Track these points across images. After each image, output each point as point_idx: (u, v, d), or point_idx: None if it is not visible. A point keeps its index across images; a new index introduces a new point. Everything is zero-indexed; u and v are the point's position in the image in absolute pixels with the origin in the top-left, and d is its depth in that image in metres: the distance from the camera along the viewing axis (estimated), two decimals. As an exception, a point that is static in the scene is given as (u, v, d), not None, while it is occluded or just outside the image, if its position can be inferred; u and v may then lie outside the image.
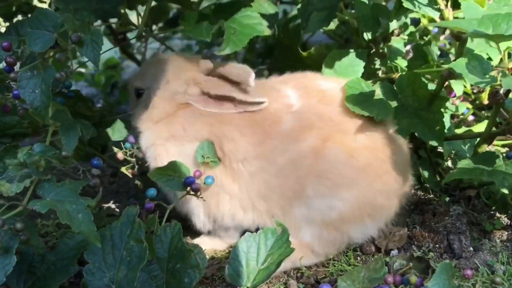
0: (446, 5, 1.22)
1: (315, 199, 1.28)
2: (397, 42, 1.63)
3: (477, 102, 1.79)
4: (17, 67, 1.18)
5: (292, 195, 1.29)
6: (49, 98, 1.14)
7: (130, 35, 2.73)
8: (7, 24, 2.59)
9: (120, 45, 2.58)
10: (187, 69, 1.37)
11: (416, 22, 1.80)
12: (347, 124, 1.30)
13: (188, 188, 1.25)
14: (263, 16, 1.49)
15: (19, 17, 2.62)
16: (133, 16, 1.69)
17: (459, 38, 1.22)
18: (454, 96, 1.78)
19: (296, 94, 1.35)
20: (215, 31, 1.35)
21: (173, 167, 1.24)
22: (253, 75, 1.28)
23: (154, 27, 2.63)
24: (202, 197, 1.27)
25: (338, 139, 1.28)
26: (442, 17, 1.23)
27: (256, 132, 1.29)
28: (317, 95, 1.35)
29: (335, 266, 1.35)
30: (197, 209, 1.35)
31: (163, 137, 1.34)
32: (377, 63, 1.73)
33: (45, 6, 2.44)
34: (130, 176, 1.48)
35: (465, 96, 1.88)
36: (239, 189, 1.31)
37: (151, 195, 1.22)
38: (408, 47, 1.67)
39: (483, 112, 2.05)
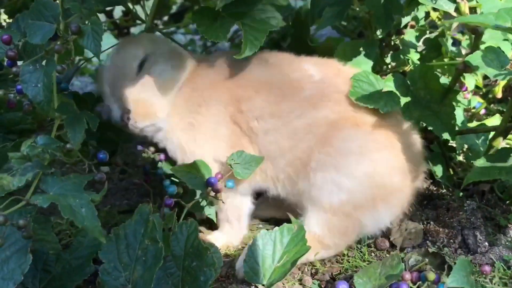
0: (463, -3, 1.20)
1: (319, 172, 1.25)
2: (410, 35, 1.61)
3: (490, 96, 1.77)
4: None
5: (299, 165, 1.29)
6: (51, 92, 1.12)
7: (133, 29, 2.73)
8: (11, 20, 2.59)
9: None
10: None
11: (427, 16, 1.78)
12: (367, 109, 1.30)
13: (209, 188, 1.24)
14: (276, 8, 1.47)
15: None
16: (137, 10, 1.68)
17: (475, 32, 1.21)
18: (466, 90, 1.76)
19: (315, 68, 1.36)
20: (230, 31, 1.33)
21: (196, 167, 1.24)
22: None
23: (158, 21, 2.62)
24: (222, 200, 1.27)
25: (353, 114, 1.28)
26: (457, 10, 1.21)
27: (272, 93, 1.30)
28: (336, 72, 1.37)
29: (349, 262, 1.34)
30: None
31: (184, 122, 1.35)
32: (389, 55, 1.71)
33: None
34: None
35: (476, 90, 1.87)
36: (253, 150, 1.33)
37: (172, 191, 1.21)
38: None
39: (492, 106, 2.04)
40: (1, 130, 1.21)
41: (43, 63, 1.10)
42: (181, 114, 1.35)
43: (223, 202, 1.30)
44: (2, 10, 2.38)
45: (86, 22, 1.11)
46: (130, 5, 1.62)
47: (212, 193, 1.24)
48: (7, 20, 2.55)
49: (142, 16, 1.61)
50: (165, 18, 3.14)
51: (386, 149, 1.26)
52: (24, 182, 1.01)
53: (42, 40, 1.10)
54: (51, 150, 1.02)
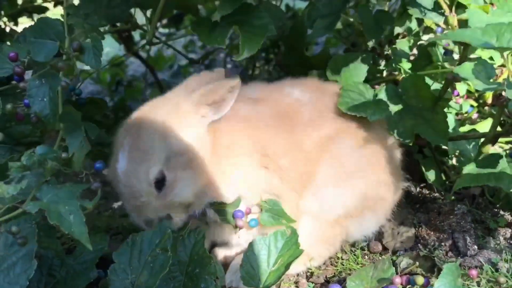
0: (450, 10, 1.24)
1: (324, 188, 1.31)
2: (402, 45, 1.65)
3: (481, 101, 1.81)
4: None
5: (306, 181, 1.31)
6: (57, 105, 1.17)
7: (134, 32, 2.76)
8: (12, 23, 2.63)
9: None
10: (180, 107, 1.25)
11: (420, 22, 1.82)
12: (355, 120, 1.35)
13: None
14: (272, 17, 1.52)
15: (24, 18, 2.66)
16: (137, 14, 1.71)
17: (463, 43, 1.25)
18: (458, 95, 1.80)
19: (297, 90, 1.38)
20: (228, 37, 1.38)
21: (233, 203, 1.26)
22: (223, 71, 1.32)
23: (158, 24, 2.65)
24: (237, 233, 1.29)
25: (348, 129, 1.34)
26: (446, 22, 1.25)
27: (286, 126, 1.30)
28: (318, 89, 1.41)
29: (343, 265, 1.39)
30: None
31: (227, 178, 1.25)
32: (382, 63, 1.75)
33: (49, 5, 2.48)
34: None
35: (469, 94, 1.90)
36: (283, 185, 1.29)
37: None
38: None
39: (486, 108, 2.07)
40: (10, 141, 1.25)
41: (49, 78, 1.14)
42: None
43: (238, 237, 1.30)
44: (2, 12, 2.42)
45: (87, 40, 1.15)
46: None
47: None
48: (7, 23, 2.61)
49: (143, 19, 1.65)
50: (164, 20, 3.19)
51: (375, 164, 1.36)
52: (18, 190, 1.04)
53: (46, 58, 1.15)
54: (49, 159, 1.06)
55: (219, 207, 1.24)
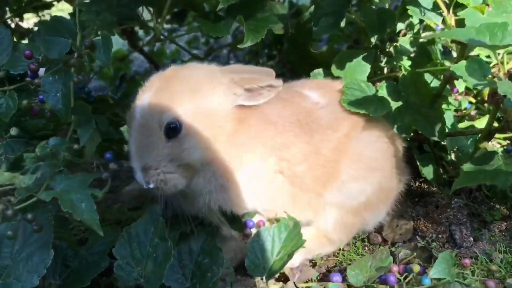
0: (448, 11, 1.29)
1: (349, 183, 1.36)
2: (403, 42, 1.70)
3: (479, 98, 1.86)
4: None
5: (326, 180, 1.35)
6: (69, 100, 1.22)
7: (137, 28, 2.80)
8: (17, 19, 2.67)
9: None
10: (217, 75, 1.26)
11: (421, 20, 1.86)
12: (366, 116, 1.40)
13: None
14: (276, 16, 1.57)
15: (30, 14, 2.70)
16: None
17: (460, 42, 1.30)
18: (457, 92, 1.85)
19: (316, 93, 1.42)
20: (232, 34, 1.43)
21: (249, 213, 1.32)
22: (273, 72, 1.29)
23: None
24: (246, 242, 1.32)
25: (363, 126, 1.40)
26: (444, 22, 1.30)
27: (306, 132, 1.32)
28: (335, 91, 1.44)
29: (344, 255, 1.44)
30: None
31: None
32: (384, 61, 1.80)
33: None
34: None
35: (468, 91, 1.95)
36: (294, 189, 1.32)
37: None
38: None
39: (485, 105, 2.12)
40: (24, 135, 1.31)
41: (61, 74, 1.20)
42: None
43: (245, 243, 1.32)
44: (7, 9, 2.46)
45: (99, 36, 1.21)
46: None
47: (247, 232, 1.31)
48: (13, 19, 2.65)
49: (147, 16, 1.70)
50: (168, 16, 3.23)
51: (388, 158, 1.42)
52: (33, 180, 1.11)
53: (59, 55, 1.21)
54: (61, 150, 1.12)
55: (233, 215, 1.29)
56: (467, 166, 1.36)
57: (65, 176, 1.13)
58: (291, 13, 3.14)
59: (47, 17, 2.73)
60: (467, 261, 1.15)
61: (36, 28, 2.72)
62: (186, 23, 3.38)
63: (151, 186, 1.17)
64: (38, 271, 1.09)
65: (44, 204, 1.10)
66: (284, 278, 1.32)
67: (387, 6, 1.68)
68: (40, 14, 2.75)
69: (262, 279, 1.19)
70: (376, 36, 1.57)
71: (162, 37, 1.99)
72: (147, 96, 1.19)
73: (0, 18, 2.30)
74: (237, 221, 1.30)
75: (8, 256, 1.11)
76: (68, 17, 2.18)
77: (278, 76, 1.28)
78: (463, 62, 1.21)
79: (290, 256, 1.20)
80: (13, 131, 1.23)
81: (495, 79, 1.14)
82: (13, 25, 2.62)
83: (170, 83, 1.21)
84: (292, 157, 1.29)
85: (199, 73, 1.25)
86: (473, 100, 1.96)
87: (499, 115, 1.64)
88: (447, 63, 1.71)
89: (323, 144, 1.33)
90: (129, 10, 1.56)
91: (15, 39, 1.31)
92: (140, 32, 3.42)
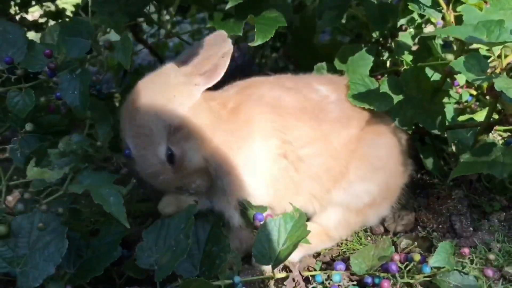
0: (448, 7, 1.32)
1: (356, 183, 1.39)
2: (404, 37, 1.73)
3: (479, 91, 1.89)
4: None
5: (338, 178, 1.38)
6: (87, 98, 1.27)
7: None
8: (21, 13, 2.70)
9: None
10: (171, 81, 1.27)
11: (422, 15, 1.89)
12: (372, 115, 1.44)
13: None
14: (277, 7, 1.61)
15: (36, 7, 2.73)
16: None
17: (459, 39, 1.33)
18: (458, 85, 1.88)
19: (326, 88, 1.44)
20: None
21: (260, 206, 1.35)
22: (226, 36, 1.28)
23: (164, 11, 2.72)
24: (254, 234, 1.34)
25: (371, 127, 1.43)
26: (444, 18, 1.33)
27: (311, 118, 1.34)
28: (345, 91, 1.46)
29: (347, 245, 1.49)
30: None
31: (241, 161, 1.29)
32: (386, 55, 1.83)
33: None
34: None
35: (468, 84, 1.97)
36: (299, 175, 1.33)
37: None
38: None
39: (487, 97, 2.14)
40: (39, 131, 1.36)
41: (79, 72, 1.26)
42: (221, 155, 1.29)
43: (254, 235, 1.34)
44: (13, 3, 2.49)
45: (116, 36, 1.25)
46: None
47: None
48: (17, 11, 2.68)
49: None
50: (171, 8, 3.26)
51: (394, 156, 1.45)
52: (61, 175, 1.18)
53: (79, 54, 1.26)
54: (84, 146, 1.17)
55: (245, 208, 1.33)
56: (465, 156, 1.41)
57: (91, 172, 1.21)
58: (294, 5, 3.18)
59: (52, 8, 2.78)
60: (466, 250, 1.19)
61: (41, 20, 2.78)
62: (189, 15, 3.41)
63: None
64: (54, 260, 1.13)
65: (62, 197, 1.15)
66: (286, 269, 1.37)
67: (389, 0, 1.70)
68: (44, 6, 2.78)
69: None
70: (377, 31, 1.60)
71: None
72: (132, 146, 1.24)
73: (5, 10, 2.33)
74: (246, 212, 1.34)
75: (25, 246, 1.16)
76: (72, 8, 2.23)
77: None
78: (462, 58, 1.24)
79: (295, 246, 1.25)
80: (28, 126, 1.28)
81: (493, 74, 1.18)
82: (18, 18, 2.66)
83: (138, 123, 1.22)
84: (294, 139, 1.30)
85: (155, 93, 1.25)
86: (474, 93, 1.99)
87: (500, 107, 1.68)
88: (448, 56, 1.75)
89: (332, 135, 1.34)
90: (138, 9, 1.61)
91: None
92: (144, 25, 3.46)
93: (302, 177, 1.33)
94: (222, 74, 1.25)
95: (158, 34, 3.22)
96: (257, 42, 1.42)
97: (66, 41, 1.27)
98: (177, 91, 1.25)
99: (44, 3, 2.64)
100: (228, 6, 1.43)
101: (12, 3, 2.45)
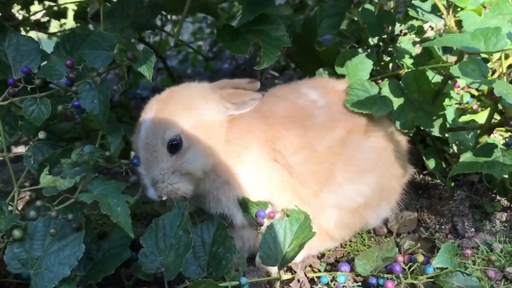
0: (448, 13, 1.35)
1: (345, 185, 1.42)
2: (405, 42, 1.76)
3: (480, 92, 1.92)
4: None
5: (324, 181, 1.42)
6: (107, 107, 1.31)
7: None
8: (24, 11, 2.71)
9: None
10: (207, 92, 1.40)
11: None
12: (364, 117, 1.46)
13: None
14: (280, 17, 1.64)
15: (39, 7, 2.74)
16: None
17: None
18: (459, 87, 1.91)
19: (314, 92, 1.49)
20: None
21: (261, 203, 1.39)
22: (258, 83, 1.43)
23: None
24: (259, 232, 1.42)
25: (359, 130, 1.45)
26: (444, 23, 1.36)
27: (298, 127, 1.41)
28: (335, 94, 1.50)
29: (351, 246, 1.52)
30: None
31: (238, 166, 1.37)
32: (386, 60, 1.86)
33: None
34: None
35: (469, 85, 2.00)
36: (293, 179, 1.40)
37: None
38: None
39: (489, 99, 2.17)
40: (53, 138, 1.40)
41: (99, 82, 1.31)
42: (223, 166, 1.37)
43: (259, 232, 1.43)
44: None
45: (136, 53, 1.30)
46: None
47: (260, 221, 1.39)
48: (21, 12, 2.70)
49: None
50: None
51: (386, 158, 1.47)
52: (73, 184, 1.21)
53: (102, 66, 1.31)
54: (95, 157, 1.21)
55: (247, 205, 1.36)
56: (466, 156, 1.43)
57: (102, 181, 1.24)
58: (295, 4, 3.20)
59: (55, 8, 2.80)
60: (468, 251, 1.22)
61: (43, 20, 2.81)
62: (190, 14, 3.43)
63: (164, 198, 1.32)
64: (69, 263, 1.16)
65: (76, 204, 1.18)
66: (290, 270, 1.40)
67: (391, 5, 1.73)
68: (46, 5, 2.79)
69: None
70: (376, 38, 1.63)
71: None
72: (149, 118, 1.33)
73: (7, 10, 2.35)
74: (249, 210, 1.38)
75: (40, 248, 1.19)
76: (74, 7, 2.27)
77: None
78: (461, 63, 1.27)
79: (301, 247, 1.28)
80: (41, 134, 1.31)
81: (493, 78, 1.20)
82: (20, 17, 2.68)
83: (167, 104, 1.36)
84: (283, 148, 1.39)
85: (192, 92, 1.41)
86: (476, 94, 2.02)
87: (501, 108, 1.70)
88: (450, 58, 1.78)
89: (316, 141, 1.40)
90: (146, 20, 1.64)
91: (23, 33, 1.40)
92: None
93: (296, 182, 1.40)
94: (248, 110, 1.41)
95: (160, 34, 3.26)
96: (263, 66, 1.46)
97: (88, 54, 1.31)
98: (211, 102, 1.38)
99: (46, 2, 2.65)
100: (235, 24, 1.47)
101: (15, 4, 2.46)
